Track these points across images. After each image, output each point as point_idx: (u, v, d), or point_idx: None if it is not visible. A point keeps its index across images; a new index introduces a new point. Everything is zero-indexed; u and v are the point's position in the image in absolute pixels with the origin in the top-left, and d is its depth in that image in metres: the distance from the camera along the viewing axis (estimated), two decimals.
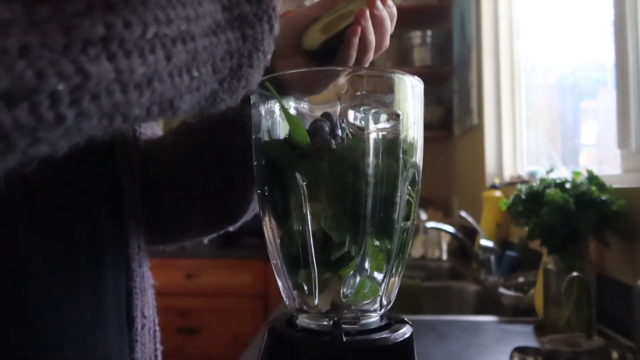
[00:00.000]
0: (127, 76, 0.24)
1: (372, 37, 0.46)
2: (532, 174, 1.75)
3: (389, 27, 0.48)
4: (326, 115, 0.41)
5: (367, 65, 0.49)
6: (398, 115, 0.40)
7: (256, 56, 0.32)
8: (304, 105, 0.44)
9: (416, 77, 0.42)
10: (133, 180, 0.53)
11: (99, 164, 0.49)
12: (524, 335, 1.13)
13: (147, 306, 0.53)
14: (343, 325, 0.39)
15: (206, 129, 0.57)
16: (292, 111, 0.43)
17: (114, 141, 0.51)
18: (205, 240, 0.67)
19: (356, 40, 0.46)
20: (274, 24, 0.33)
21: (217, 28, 0.29)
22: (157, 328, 0.56)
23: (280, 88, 0.42)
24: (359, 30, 0.45)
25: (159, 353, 0.56)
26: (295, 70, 0.45)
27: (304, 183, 0.39)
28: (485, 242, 1.76)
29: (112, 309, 0.47)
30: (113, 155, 0.51)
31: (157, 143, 0.61)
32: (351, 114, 0.40)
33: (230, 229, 0.64)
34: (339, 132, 0.40)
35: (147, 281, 0.54)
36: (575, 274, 1.02)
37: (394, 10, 0.49)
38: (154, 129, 0.64)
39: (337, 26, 0.47)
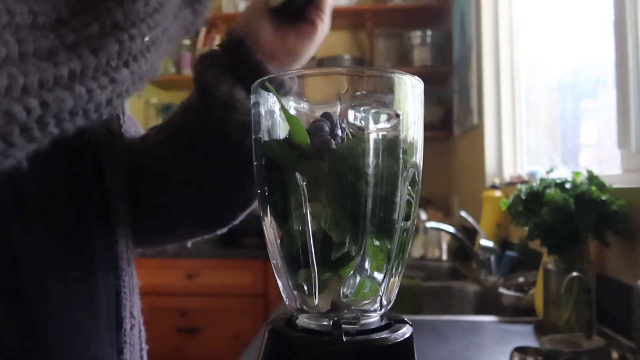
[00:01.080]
0: (137, 74, 0.32)
1: None
2: (532, 174, 1.75)
3: None
4: (326, 115, 0.41)
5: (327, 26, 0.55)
6: (398, 115, 0.40)
7: (199, 20, 0.39)
8: (304, 105, 0.44)
9: (416, 77, 0.42)
10: (118, 177, 0.53)
11: (83, 160, 0.48)
12: (524, 335, 1.13)
13: (135, 306, 0.52)
14: (343, 325, 0.39)
15: (197, 129, 0.56)
16: (292, 111, 0.43)
17: (99, 137, 0.51)
18: (189, 244, 0.66)
19: None
20: None
21: (178, 11, 0.36)
22: (143, 328, 0.55)
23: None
24: None
25: (144, 353, 0.55)
26: (295, 70, 0.45)
27: (304, 183, 0.39)
28: (485, 242, 1.76)
29: (103, 309, 0.47)
30: (97, 151, 0.50)
31: (140, 142, 0.59)
32: (351, 114, 0.40)
33: (219, 232, 0.63)
34: (339, 132, 0.40)
35: (134, 280, 0.54)
36: (575, 274, 1.02)
37: None
38: (136, 127, 0.63)
39: None
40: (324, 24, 0.55)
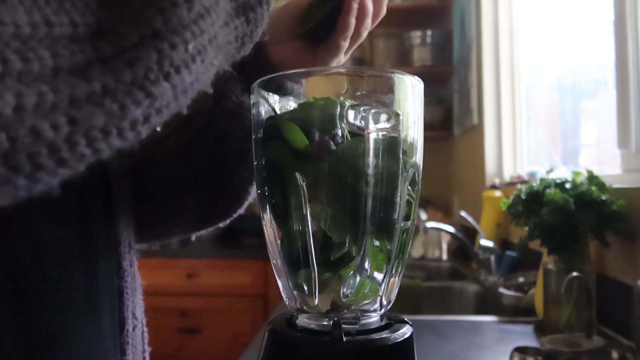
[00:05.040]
0: (180, 88, 0.29)
1: (369, 3, 0.50)
2: (532, 174, 1.75)
3: None
4: None
5: (365, 33, 0.52)
6: (398, 115, 0.40)
7: (256, 32, 0.37)
8: None
9: (416, 77, 0.42)
10: (121, 175, 0.52)
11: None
12: (524, 335, 1.13)
13: (137, 307, 0.52)
14: (343, 325, 0.39)
15: (201, 122, 0.56)
16: None
17: None
18: (193, 237, 0.66)
19: (355, 6, 0.48)
20: (270, 3, 0.38)
21: (228, 19, 0.34)
22: (146, 329, 0.55)
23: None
24: None
25: (147, 355, 0.55)
26: (295, 70, 0.45)
27: (304, 183, 0.39)
28: (485, 242, 1.76)
29: (105, 310, 0.47)
30: None
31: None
32: (351, 114, 0.40)
33: (221, 224, 0.63)
34: (339, 132, 0.40)
35: (137, 281, 0.53)
36: (575, 274, 1.02)
37: None
38: None
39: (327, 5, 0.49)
40: (347, 43, 0.55)
